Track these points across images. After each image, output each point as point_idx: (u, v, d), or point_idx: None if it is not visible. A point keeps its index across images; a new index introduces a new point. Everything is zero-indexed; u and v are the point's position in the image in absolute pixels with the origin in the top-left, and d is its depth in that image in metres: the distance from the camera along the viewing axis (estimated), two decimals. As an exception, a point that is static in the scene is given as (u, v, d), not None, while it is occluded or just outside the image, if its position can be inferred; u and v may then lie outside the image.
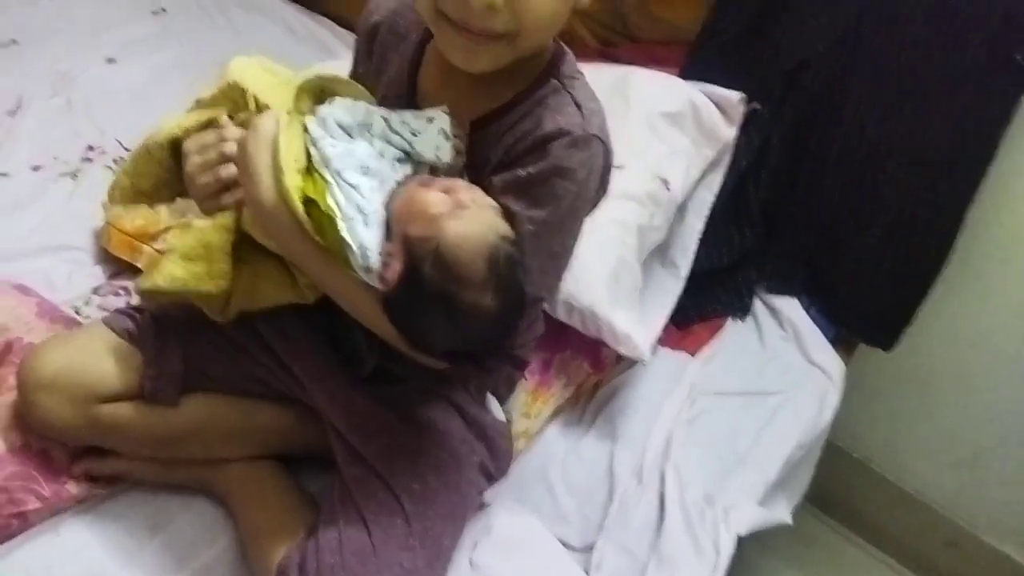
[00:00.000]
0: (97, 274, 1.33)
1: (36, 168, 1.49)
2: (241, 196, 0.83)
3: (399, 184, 0.80)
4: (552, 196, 0.81)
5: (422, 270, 0.74)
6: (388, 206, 0.79)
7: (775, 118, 1.32)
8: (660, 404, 1.28)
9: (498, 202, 0.80)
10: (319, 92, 0.85)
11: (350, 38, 1.86)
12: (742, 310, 1.45)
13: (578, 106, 0.84)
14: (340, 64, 1.06)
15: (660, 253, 1.36)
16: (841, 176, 1.33)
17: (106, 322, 0.98)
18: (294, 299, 0.91)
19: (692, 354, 1.37)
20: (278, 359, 0.97)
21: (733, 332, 1.43)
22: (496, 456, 1.00)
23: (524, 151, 0.83)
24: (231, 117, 0.85)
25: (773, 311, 1.46)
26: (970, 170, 1.23)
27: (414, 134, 0.81)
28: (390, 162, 0.81)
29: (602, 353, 1.26)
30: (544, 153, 0.81)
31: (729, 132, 1.32)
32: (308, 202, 0.78)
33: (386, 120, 0.81)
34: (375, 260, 0.77)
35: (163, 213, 1.33)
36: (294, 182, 0.78)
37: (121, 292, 1.31)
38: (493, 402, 1.10)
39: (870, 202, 1.32)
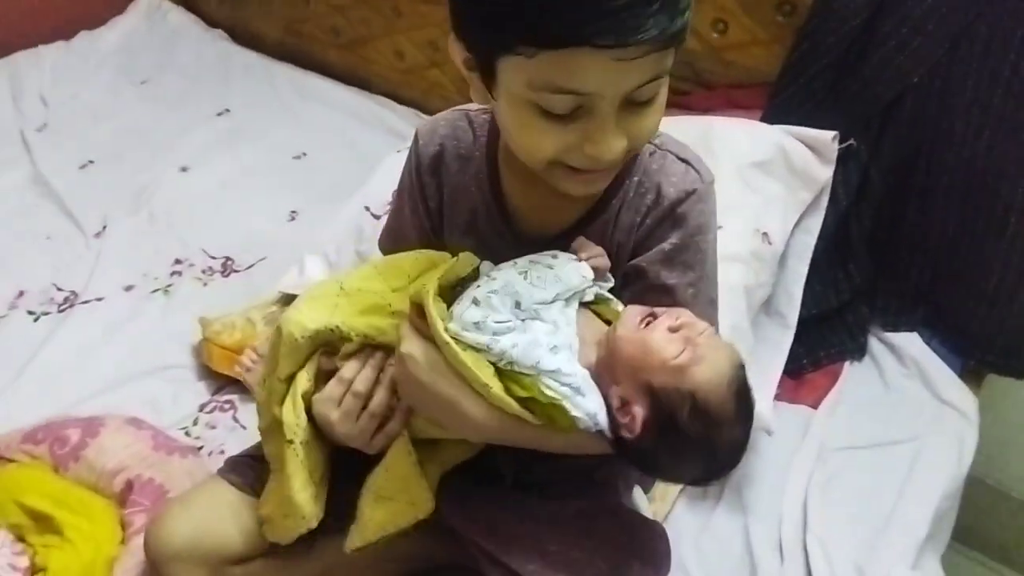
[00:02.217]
0: (201, 391, 1.34)
1: (128, 288, 1.52)
2: (404, 417, 0.82)
3: (575, 324, 0.78)
4: (700, 253, 0.83)
5: (678, 419, 0.73)
6: (591, 360, 0.77)
7: (873, 153, 1.26)
8: (788, 466, 1.21)
9: (655, 282, 0.82)
10: (443, 290, 0.80)
11: (410, 113, 1.89)
12: (858, 351, 1.37)
13: (684, 160, 0.84)
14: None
15: (765, 304, 1.30)
16: (954, 206, 1.26)
17: (224, 476, 0.95)
18: (472, 453, 0.88)
19: (813, 406, 1.30)
20: None
21: (853, 377, 1.35)
22: (655, 561, 0.93)
23: (655, 224, 0.83)
24: (329, 356, 0.83)
25: (892, 348, 1.38)
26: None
27: (556, 276, 0.78)
28: (563, 318, 0.77)
29: (720, 420, 1.21)
30: (680, 219, 0.82)
31: (824, 172, 1.26)
32: (523, 399, 0.75)
33: (528, 281, 0.77)
34: (604, 419, 0.75)
35: (259, 325, 1.34)
36: (499, 387, 0.75)
37: (227, 407, 1.32)
38: (642, 498, 1.05)
39: (988, 230, 1.24)
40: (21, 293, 1.49)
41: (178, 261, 1.57)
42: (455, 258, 0.82)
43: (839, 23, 1.21)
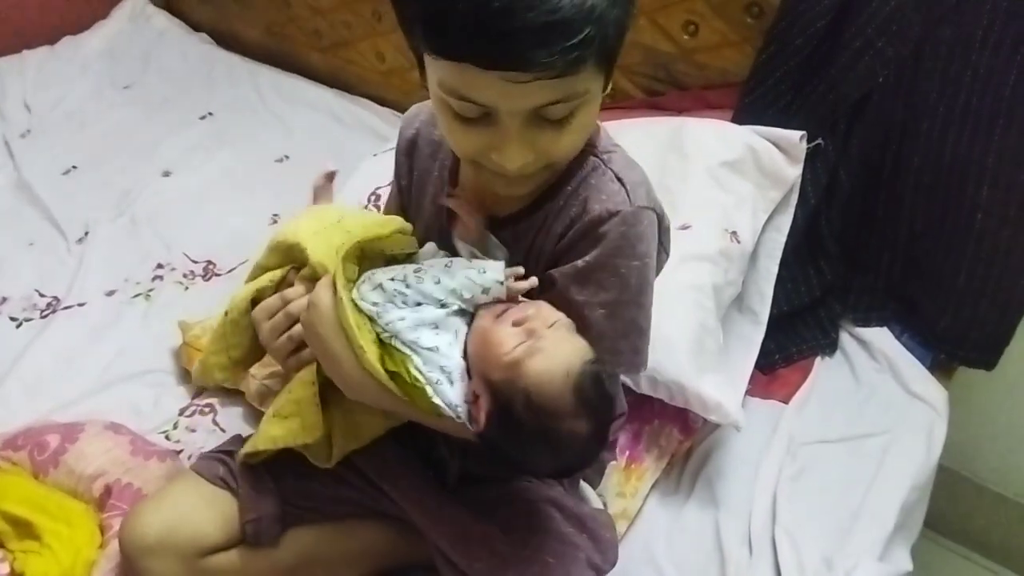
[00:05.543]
0: (181, 395, 1.35)
1: (110, 293, 1.53)
2: None
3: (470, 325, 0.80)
4: (617, 277, 0.81)
5: (514, 411, 0.74)
6: (466, 350, 0.78)
7: (841, 152, 1.27)
8: (758, 461, 1.23)
9: (563, 295, 0.81)
10: (361, 253, 0.84)
11: (393, 117, 1.90)
12: (829, 347, 1.39)
13: (620, 181, 0.82)
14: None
15: (736, 301, 1.31)
16: (921, 203, 1.27)
17: (196, 470, 0.98)
18: (392, 425, 0.91)
19: (784, 401, 1.32)
20: (367, 479, 0.97)
21: (824, 372, 1.37)
22: (602, 548, 0.96)
23: (576, 239, 0.82)
24: (297, 270, 0.88)
25: (863, 344, 1.40)
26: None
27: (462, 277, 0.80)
28: (457, 308, 0.80)
29: (690, 417, 1.23)
30: (598, 238, 0.80)
31: (793, 172, 1.27)
32: (392, 373, 0.78)
33: (433, 275, 0.81)
34: (464, 413, 0.77)
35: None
36: (374, 355, 0.79)
37: (207, 410, 1.33)
38: (588, 491, 1.07)
39: (956, 226, 1.25)
40: (4, 299, 1.50)
41: (160, 265, 1.58)
42: (388, 235, 0.86)
43: (805, 25, 1.22)
